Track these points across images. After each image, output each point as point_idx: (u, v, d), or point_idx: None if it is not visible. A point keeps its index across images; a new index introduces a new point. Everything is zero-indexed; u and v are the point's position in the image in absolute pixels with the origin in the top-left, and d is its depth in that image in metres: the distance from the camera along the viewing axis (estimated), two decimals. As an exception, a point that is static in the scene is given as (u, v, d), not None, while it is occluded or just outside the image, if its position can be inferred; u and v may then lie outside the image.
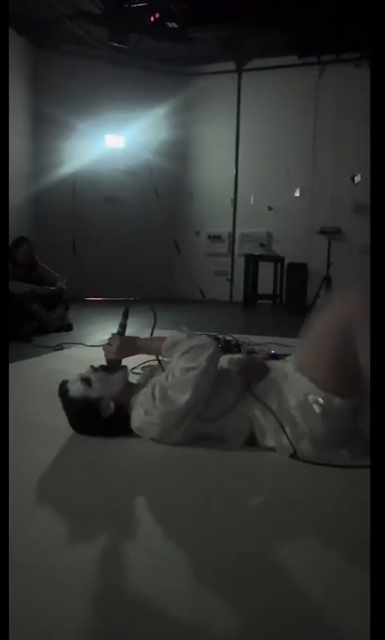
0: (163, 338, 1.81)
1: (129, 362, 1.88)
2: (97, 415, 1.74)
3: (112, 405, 1.73)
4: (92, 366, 1.82)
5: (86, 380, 1.77)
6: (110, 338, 1.87)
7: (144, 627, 0.84)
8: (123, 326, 1.89)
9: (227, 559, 1.04)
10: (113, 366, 1.84)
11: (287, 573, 1.00)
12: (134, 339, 1.87)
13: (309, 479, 1.49)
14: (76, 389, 1.76)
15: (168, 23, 6.87)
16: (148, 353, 1.87)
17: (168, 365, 1.75)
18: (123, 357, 1.86)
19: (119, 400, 1.74)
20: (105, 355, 1.87)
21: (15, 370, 2.83)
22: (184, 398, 1.61)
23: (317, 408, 1.58)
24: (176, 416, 1.64)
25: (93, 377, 1.77)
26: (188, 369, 1.63)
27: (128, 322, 1.90)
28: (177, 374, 1.64)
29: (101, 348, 1.90)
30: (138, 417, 1.69)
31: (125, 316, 1.91)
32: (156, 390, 1.64)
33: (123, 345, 1.85)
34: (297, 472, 1.52)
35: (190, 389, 1.61)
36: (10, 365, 2.82)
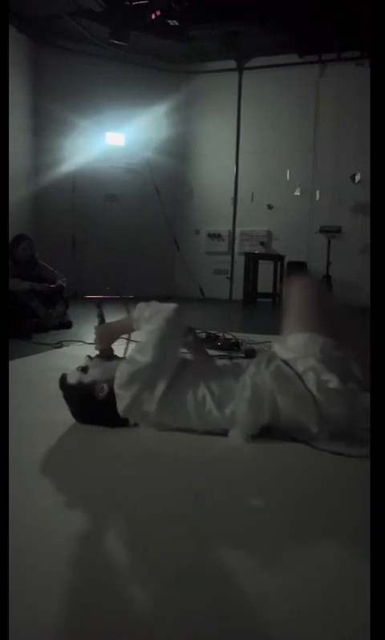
0: (131, 315, 1.88)
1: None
2: (93, 398, 1.78)
3: (106, 387, 1.77)
4: (88, 356, 1.91)
5: (82, 368, 1.84)
6: (94, 332, 1.97)
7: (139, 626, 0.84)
8: (99, 316, 1.99)
9: (226, 554, 1.05)
10: (106, 354, 1.92)
11: (287, 567, 1.01)
12: (108, 324, 1.97)
13: (321, 468, 1.49)
14: (73, 377, 1.84)
15: (169, 21, 6.87)
16: (126, 331, 1.95)
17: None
18: (109, 343, 1.94)
19: (113, 384, 1.78)
20: (96, 348, 1.97)
21: (15, 367, 2.83)
22: (146, 358, 1.70)
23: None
24: (143, 377, 1.70)
25: (89, 365, 1.86)
26: (150, 332, 1.74)
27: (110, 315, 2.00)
28: (142, 339, 1.76)
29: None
30: (118, 395, 1.74)
31: (99, 306, 2.03)
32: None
33: (102, 332, 1.94)
34: (306, 460, 1.53)
35: (151, 348, 1.70)
36: (9, 362, 2.83)
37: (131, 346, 1.90)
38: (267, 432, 1.74)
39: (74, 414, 1.86)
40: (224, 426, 1.73)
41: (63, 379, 1.86)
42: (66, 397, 1.85)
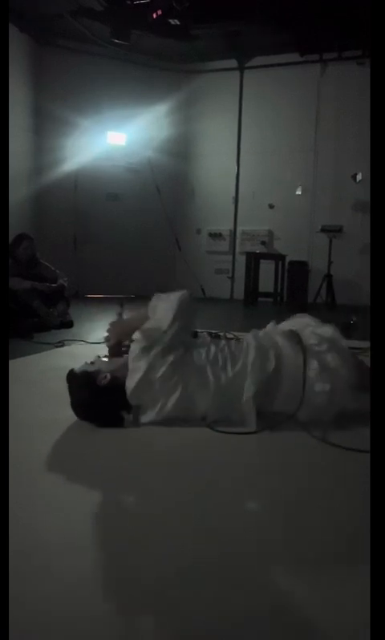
0: (146, 308, 1.96)
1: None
2: (93, 386, 1.81)
3: (109, 375, 1.81)
4: (98, 356, 1.96)
5: (91, 362, 1.91)
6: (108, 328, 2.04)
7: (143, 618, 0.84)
8: (119, 314, 2.09)
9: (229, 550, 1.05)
10: (115, 351, 1.98)
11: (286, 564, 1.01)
12: (123, 319, 2.07)
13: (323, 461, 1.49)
14: (80, 369, 1.89)
15: (170, 20, 6.87)
16: (140, 323, 1.95)
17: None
18: (121, 338, 1.99)
19: (116, 374, 1.83)
20: (106, 345, 2.05)
21: (16, 366, 2.83)
22: (165, 322, 1.82)
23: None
24: (159, 344, 1.79)
25: (96, 360, 1.92)
26: (164, 309, 1.87)
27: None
28: (157, 315, 1.88)
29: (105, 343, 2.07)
30: (131, 369, 1.80)
31: (121, 305, 2.14)
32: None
33: (116, 326, 2.02)
34: (307, 453, 1.53)
35: (166, 321, 1.82)
36: (10, 361, 2.83)
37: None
38: (266, 414, 1.83)
39: (74, 405, 1.87)
40: (236, 384, 1.82)
41: (71, 371, 1.89)
42: (69, 387, 1.88)
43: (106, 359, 1.93)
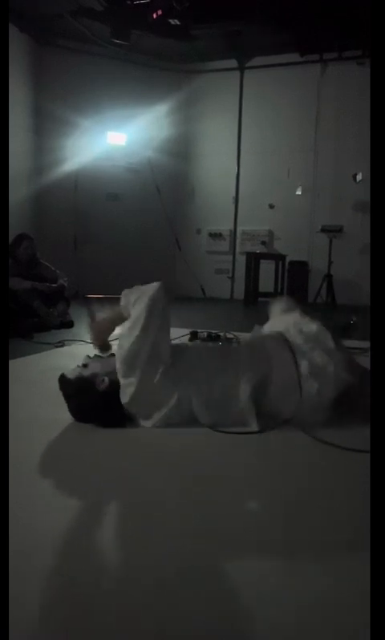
0: (120, 305, 1.91)
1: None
2: (93, 391, 1.80)
3: (107, 379, 1.80)
4: (87, 356, 1.93)
5: (83, 365, 1.87)
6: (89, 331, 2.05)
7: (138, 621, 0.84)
8: (90, 315, 2.10)
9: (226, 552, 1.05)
10: (105, 350, 1.98)
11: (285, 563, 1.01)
12: (100, 320, 2.00)
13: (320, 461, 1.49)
14: (72, 373, 1.86)
15: (170, 20, 6.86)
16: (119, 322, 1.93)
17: None
18: (104, 338, 1.99)
19: (113, 377, 1.81)
20: (94, 346, 2.01)
21: (16, 366, 2.83)
22: (133, 339, 1.75)
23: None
24: (140, 359, 1.74)
25: (89, 362, 1.89)
26: (137, 312, 1.79)
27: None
28: (130, 321, 1.81)
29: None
30: (122, 385, 1.79)
31: (89, 307, 2.16)
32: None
33: (95, 328, 2.00)
34: (305, 453, 1.53)
35: (139, 327, 1.75)
36: (10, 361, 2.83)
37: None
38: (259, 414, 1.82)
39: (73, 411, 1.86)
40: (231, 386, 1.80)
41: (62, 377, 1.87)
42: (64, 394, 1.86)
43: (96, 359, 1.92)
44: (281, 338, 1.94)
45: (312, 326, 1.95)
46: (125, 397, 1.77)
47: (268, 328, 2.16)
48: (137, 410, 1.82)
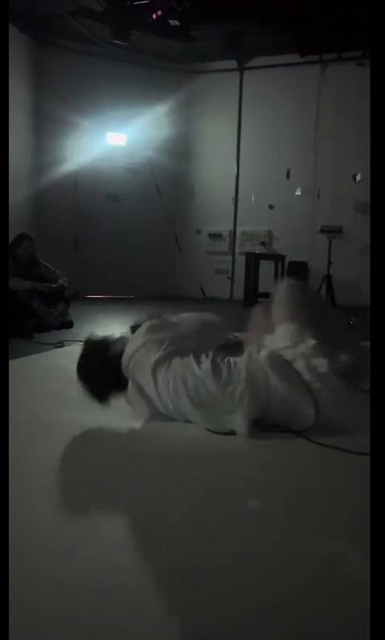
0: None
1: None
2: (104, 353, 1.92)
3: (123, 348, 1.89)
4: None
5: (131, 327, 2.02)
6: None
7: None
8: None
9: (226, 556, 1.05)
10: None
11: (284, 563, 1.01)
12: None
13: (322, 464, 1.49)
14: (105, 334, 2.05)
15: (170, 21, 6.86)
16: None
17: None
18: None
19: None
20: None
21: (16, 366, 2.83)
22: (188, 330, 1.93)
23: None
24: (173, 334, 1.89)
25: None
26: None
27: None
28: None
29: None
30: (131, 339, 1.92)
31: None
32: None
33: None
34: (306, 455, 1.53)
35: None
36: (10, 361, 2.83)
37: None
38: (263, 425, 1.77)
39: (80, 365, 1.96)
40: (223, 404, 1.74)
41: (89, 337, 2.04)
42: (84, 346, 2.02)
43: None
44: (287, 370, 1.78)
45: (322, 362, 1.76)
46: (129, 351, 1.87)
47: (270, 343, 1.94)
48: (131, 372, 1.87)
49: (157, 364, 1.80)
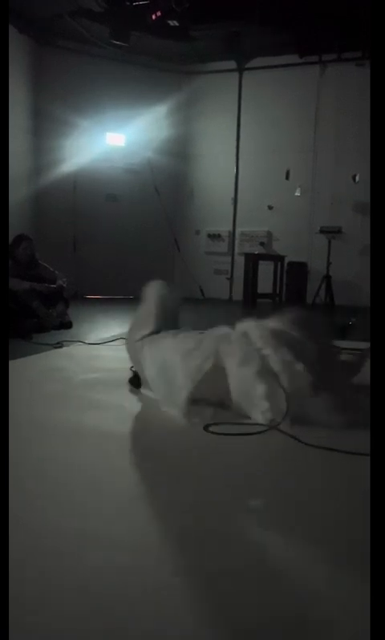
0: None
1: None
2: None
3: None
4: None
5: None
6: None
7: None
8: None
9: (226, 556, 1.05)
10: None
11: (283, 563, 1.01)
12: None
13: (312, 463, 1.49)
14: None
15: (170, 21, 6.87)
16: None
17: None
18: None
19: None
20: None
21: (15, 367, 2.83)
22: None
23: None
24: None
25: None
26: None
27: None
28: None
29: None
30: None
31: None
32: None
33: None
34: (292, 454, 1.53)
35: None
36: (10, 362, 2.83)
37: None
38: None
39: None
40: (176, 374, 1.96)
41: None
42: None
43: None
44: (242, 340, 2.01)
45: (274, 324, 2.02)
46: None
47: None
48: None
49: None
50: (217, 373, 1.92)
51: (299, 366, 1.84)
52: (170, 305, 2.35)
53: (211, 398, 1.98)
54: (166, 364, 2.01)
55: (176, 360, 1.97)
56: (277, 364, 1.85)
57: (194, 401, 1.91)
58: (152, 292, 2.34)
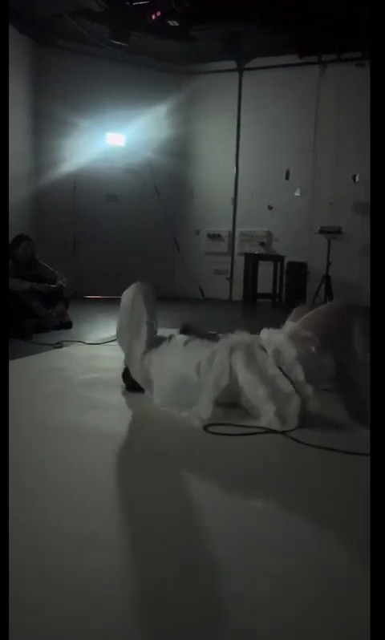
0: None
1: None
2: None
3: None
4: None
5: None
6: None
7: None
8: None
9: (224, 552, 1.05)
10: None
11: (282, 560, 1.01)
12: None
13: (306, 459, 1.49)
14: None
15: (170, 21, 6.86)
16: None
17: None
18: None
19: None
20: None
21: (15, 367, 2.83)
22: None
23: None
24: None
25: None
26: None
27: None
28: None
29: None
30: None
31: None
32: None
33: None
34: (293, 454, 1.53)
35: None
36: (10, 362, 2.83)
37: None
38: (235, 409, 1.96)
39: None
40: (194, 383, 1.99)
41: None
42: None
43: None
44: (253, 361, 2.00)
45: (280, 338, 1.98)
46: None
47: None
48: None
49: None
50: (231, 381, 1.96)
51: (309, 389, 1.86)
52: (152, 302, 2.30)
53: (223, 400, 1.98)
54: (181, 380, 2.01)
55: (191, 374, 1.99)
56: (287, 385, 1.87)
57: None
58: (136, 294, 2.24)
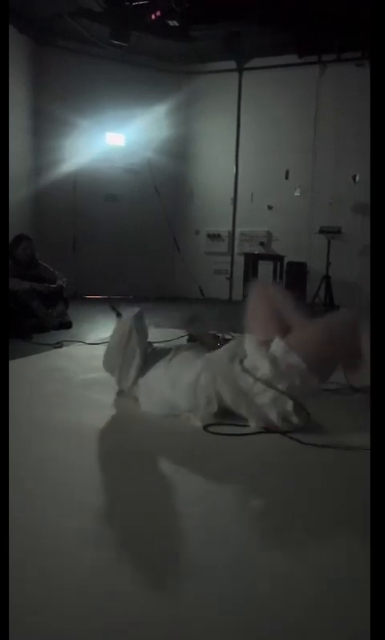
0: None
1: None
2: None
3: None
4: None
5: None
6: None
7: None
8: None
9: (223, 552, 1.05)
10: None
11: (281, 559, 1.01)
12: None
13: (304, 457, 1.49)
14: None
15: (169, 21, 6.86)
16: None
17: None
18: None
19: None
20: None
21: (15, 367, 2.83)
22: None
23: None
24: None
25: None
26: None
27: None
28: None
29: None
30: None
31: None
32: None
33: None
34: (293, 453, 1.53)
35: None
36: (10, 362, 2.83)
37: None
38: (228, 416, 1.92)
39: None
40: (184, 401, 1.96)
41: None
42: None
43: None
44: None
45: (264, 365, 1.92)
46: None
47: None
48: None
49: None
50: (220, 405, 1.94)
51: (289, 406, 1.81)
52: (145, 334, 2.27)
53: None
54: (170, 408, 1.99)
55: (180, 397, 1.97)
56: (267, 400, 1.83)
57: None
58: (131, 331, 2.17)
